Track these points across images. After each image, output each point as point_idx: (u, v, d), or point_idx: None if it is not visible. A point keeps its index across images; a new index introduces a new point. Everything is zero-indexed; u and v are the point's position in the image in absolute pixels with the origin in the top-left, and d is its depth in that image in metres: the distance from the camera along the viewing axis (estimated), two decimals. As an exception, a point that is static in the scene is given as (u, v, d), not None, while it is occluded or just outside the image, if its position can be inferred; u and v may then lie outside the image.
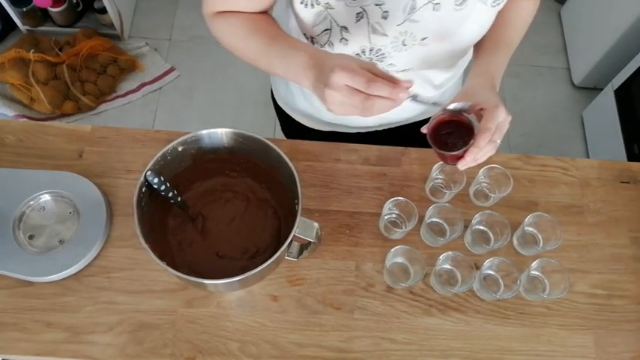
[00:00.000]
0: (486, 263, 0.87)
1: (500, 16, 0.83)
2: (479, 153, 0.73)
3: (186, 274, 0.69)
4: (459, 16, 0.78)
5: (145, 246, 0.69)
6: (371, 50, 0.81)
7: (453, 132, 0.76)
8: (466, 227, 0.92)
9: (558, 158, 1.02)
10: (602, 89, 2.09)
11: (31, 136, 0.97)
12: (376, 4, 0.74)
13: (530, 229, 0.94)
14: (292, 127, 1.15)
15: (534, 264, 0.88)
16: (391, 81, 0.65)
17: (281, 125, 1.25)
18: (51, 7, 2.08)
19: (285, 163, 0.76)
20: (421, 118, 1.07)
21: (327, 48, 0.84)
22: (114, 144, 0.98)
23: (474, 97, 0.76)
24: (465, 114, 0.74)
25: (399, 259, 0.90)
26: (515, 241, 0.94)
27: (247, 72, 2.26)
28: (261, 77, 2.25)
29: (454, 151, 0.75)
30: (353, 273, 0.90)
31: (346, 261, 0.90)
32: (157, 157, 0.76)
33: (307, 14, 0.78)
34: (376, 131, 1.10)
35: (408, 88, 0.65)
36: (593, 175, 1.02)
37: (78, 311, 0.84)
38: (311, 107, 1.04)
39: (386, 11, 0.75)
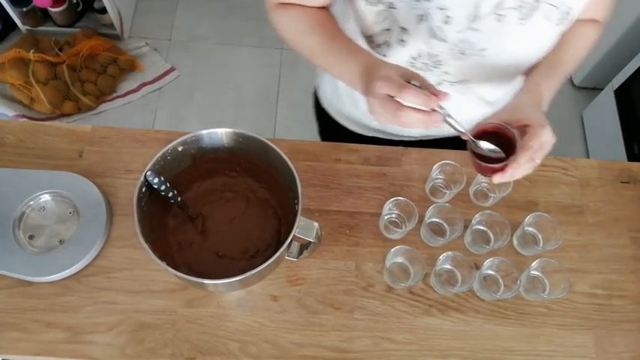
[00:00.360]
0: (486, 263, 0.87)
1: (561, 38, 0.82)
2: (517, 169, 0.71)
3: (186, 274, 0.69)
4: (521, 31, 0.77)
5: (145, 246, 0.69)
6: (428, 55, 0.80)
7: (494, 143, 0.73)
8: (466, 227, 0.92)
9: (558, 158, 1.02)
10: (602, 89, 2.09)
11: (31, 136, 0.97)
12: (439, 8, 0.74)
13: (530, 229, 0.94)
14: (333, 130, 1.14)
15: (534, 264, 0.88)
16: (430, 92, 0.65)
17: (319, 127, 1.24)
18: (51, 7, 2.08)
19: (285, 163, 0.76)
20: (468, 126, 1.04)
21: (383, 48, 0.83)
22: (114, 144, 0.98)
23: (521, 113, 0.73)
24: (510, 128, 0.72)
25: (399, 259, 0.90)
26: (515, 241, 0.94)
27: (247, 72, 2.26)
28: (261, 77, 2.26)
29: (492, 162, 0.72)
30: (353, 273, 0.90)
31: (346, 261, 0.90)
32: (157, 157, 0.76)
33: (369, 12, 0.78)
34: (420, 141, 1.09)
35: (442, 100, 0.65)
36: (593, 175, 1.02)
37: (78, 311, 0.84)
38: (358, 111, 1.03)
39: (448, 16, 0.74)
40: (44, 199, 0.90)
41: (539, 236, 0.94)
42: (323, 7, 0.82)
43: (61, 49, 2.12)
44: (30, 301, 0.84)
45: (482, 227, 0.94)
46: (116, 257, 0.88)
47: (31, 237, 0.88)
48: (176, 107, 2.17)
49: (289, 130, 2.15)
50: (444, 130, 1.03)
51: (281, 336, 0.84)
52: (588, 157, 2.14)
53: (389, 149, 1.00)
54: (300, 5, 0.81)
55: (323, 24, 0.80)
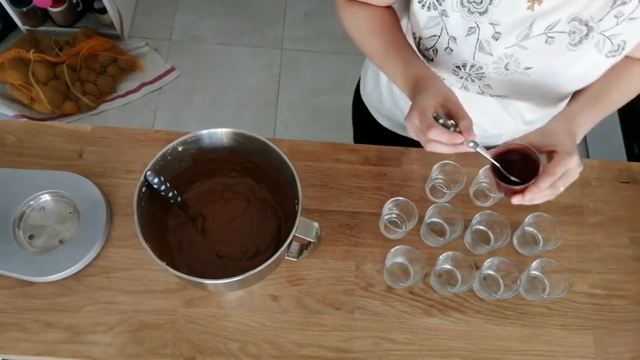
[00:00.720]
0: (486, 263, 0.87)
1: (611, 73, 0.80)
2: (537, 194, 0.70)
3: (186, 274, 0.69)
4: (569, 57, 0.76)
5: (145, 246, 0.69)
6: (472, 67, 0.81)
7: (517, 163, 0.72)
8: (466, 227, 0.92)
9: (558, 158, 1.02)
10: None
11: (31, 136, 0.97)
12: (491, 23, 0.74)
13: (530, 229, 0.94)
14: (367, 126, 1.15)
15: (534, 264, 0.88)
16: (460, 120, 0.70)
17: (354, 123, 1.26)
18: (51, 7, 2.08)
19: (285, 163, 0.76)
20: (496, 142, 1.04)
21: (431, 52, 0.85)
22: (114, 144, 0.98)
23: (551, 139, 0.73)
24: (535, 152, 0.71)
25: (399, 259, 0.90)
26: (515, 241, 0.94)
27: (247, 72, 2.26)
28: (261, 77, 2.26)
29: (512, 183, 0.72)
30: (353, 273, 0.90)
31: (346, 261, 0.90)
32: (157, 157, 0.76)
33: (422, 15, 0.79)
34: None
35: (466, 140, 0.70)
36: (593, 175, 1.02)
37: (78, 311, 0.84)
38: (396, 109, 1.04)
39: (499, 32, 0.75)
40: (44, 199, 0.90)
41: (539, 236, 0.94)
42: (388, 6, 0.85)
43: (61, 49, 2.12)
44: (30, 301, 0.84)
45: (482, 227, 0.94)
46: (116, 257, 0.88)
47: (31, 237, 0.88)
48: (176, 107, 2.17)
49: (289, 130, 2.15)
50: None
51: (281, 336, 0.84)
52: (588, 157, 2.14)
53: (389, 149, 1.01)
54: (367, 4, 0.83)
55: (385, 27, 0.83)
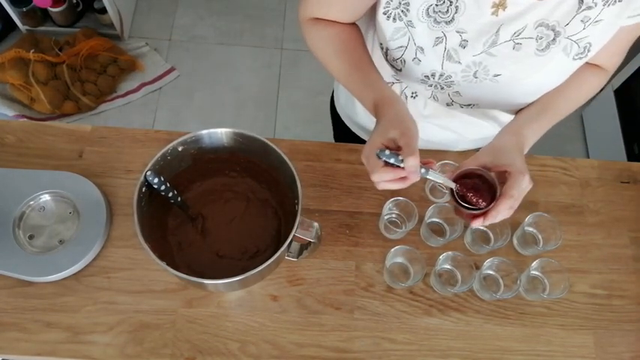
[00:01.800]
0: (486, 263, 0.87)
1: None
2: (496, 217, 0.72)
3: (186, 274, 0.69)
4: (537, 62, 0.76)
5: (145, 246, 0.69)
6: (440, 75, 0.81)
7: (473, 185, 0.74)
8: (466, 227, 0.92)
9: (558, 158, 1.02)
10: (602, 89, 2.09)
11: (31, 136, 0.97)
12: (457, 31, 0.74)
13: (530, 229, 0.94)
14: (346, 136, 1.15)
15: (534, 264, 0.88)
16: (407, 160, 0.68)
17: (334, 131, 1.26)
18: (51, 7, 2.08)
19: (285, 163, 0.76)
20: (479, 146, 1.05)
21: (398, 63, 0.85)
22: (114, 144, 0.98)
23: (502, 157, 0.74)
24: (489, 175, 0.73)
25: (399, 259, 0.90)
26: (515, 241, 0.94)
27: (247, 72, 2.26)
28: (261, 78, 2.26)
29: (471, 205, 0.73)
30: (353, 273, 0.90)
31: (346, 261, 0.90)
32: (157, 157, 0.76)
33: (388, 27, 0.79)
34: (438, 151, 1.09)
35: (412, 180, 0.69)
36: (593, 175, 1.02)
37: (78, 311, 0.84)
38: (368, 119, 1.04)
39: (466, 40, 0.75)
40: (44, 199, 0.90)
41: (539, 236, 0.94)
42: (352, 23, 0.84)
43: (60, 49, 2.12)
44: (30, 301, 0.84)
45: (482, 227, 0.94)
46: (116, 257, 0.88)
47: (31, 237, 0.88)
48: (176, 107, 2.17)
49: (289, 130, 2.15)
50: (457, 147, 1.03)
51: (281, 336, 0.84)
52: (588, 157, 2.14)
53: (389, 149, 1.00)
54: (330, 22, 0.82)
55: (349, 48, 0.82)
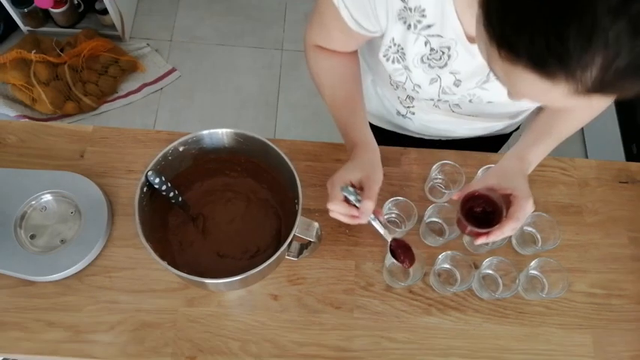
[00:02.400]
0: (485, 262, 0.87)
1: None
2: (500, 236, 0.77)
3: (187, 273, 0.69)
4: None
5: (146, 245, 0.69)
6: (439, 100, 0.86)
7: (481, 205, 0.80)
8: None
9: (557, 158, 1.02)
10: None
11: (32, 136, 0.98)
12: (451, 72, 0.78)
13: (529, 228, 0.94)
14: None
15: (533, 263, 0.88)
16: (364, 201, 0.76)
17: None
18: (52, 7, 2.09)
19: (285, 163, 0.77)
20: (480, 134, 1.07)
21: (407, 100, 0.93)
22: (115, 144, 0.98)
23: (507, 180, 0.79)
24: (497, 198, 0.79)
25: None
26: (514, 241, 0.94)
27: (248, 73, 2.27)
28: (262, 78, 2.26)
29: (476, 224, 0.79)
30: (353, 272, 0.90)
31: (346, 260, 0.91)
32: (158, 157, 0.76)
33: (388, 66, 0.83)
34: (440, 140, 1.12)
35: (362, 220, 0.77)
36: (591, 175, 1.02)
37: (79, 310, 0.84)
38: (383, 108, 1.07)
39: (459, 80, 0.79)
40: (46, 199, 0.90)
41: (538, 236, 0.94)
42: (353, 52, 0.88)
43: (62, 50, 2.12)
44: (31, 300, 0.84)
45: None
46: (117, 257, 0.88)
47: (32, 237, 0.88)
48: (177, 108, 2.17)
49: (289, 130, 2.15)
50: (458, 133, 1.05)
51: (281, 335, 0.85)
52: (587, 157, 2.14)
53: (388, 149, 1.01)
54: (332, 51, 0.86)
55: (345, 83, 0.87)
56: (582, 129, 2.21)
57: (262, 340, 0.84)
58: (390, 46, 0.78)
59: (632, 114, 1.88)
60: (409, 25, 0.72)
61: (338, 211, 0.77)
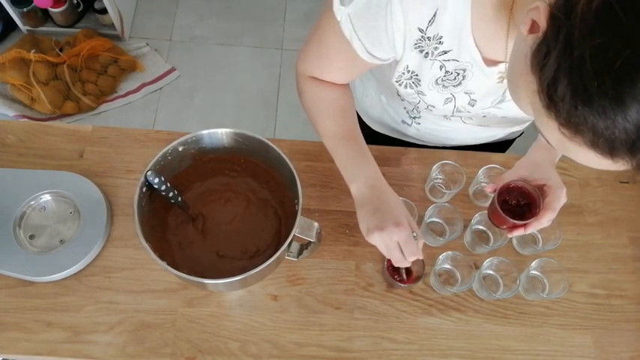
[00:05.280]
0: (486, 263, 0.87)
1: None
2: (537, 227, 0.78)
3: (187, 273, 0.69)
4: None
5: (146, 246, 0.69)
6: (452, 116, 0.86)
7: (515, 197, 0.81)
8: (466, 227, 0.92)
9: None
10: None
11: (31, 136, 0.97)
12: (466, 92, 0.77)
13: (530, 228, 0.94)
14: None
15: (534, 264, 0.88)
16: (418, 239, 0.75)
17: None
18: (51, 7, 2.08)
19: (285, 163, 0.77)
20: (485, 141, 1.07)
21: (414, 111, 0.92)
22: (114, 144, 0.98)
23: (539, 171, 0.80)
24: (534, 190, 0.79)
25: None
26: (514, 241, 0.94)
27: (247, 72, 2.27)
28: (262, 78, 2.26)
29: (513, 216, 0.79)
30: (353, 273, 0.90)
31: (346, 261, 0.91)
32: (157, 157, 0.76)
33: (400, 90, 0.82)
34: (444, 147, 1.11)
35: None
36: (592, 175, 1.02)
37: (78, 311, 0.84)
38: (387, 116, 1.05)
39: (474, 99, 0.78)
40: (45, 199, 0.90)
41: (539, 236, 0.94)
42: (346, 84, 0.87)
43: (61, 50, 2.12)
44: (31, 300, 0.84)
45: (481, 227, 0.94)
46: (117, 257, 0.88)
47: (31, 237, 0.88)
48: (176, 107, 2.17)
49: (289, 130, 2.15)
50: (464, 140, 1.04)
51: (281, 335, 0.85)
52: (588, 157, 2.13)
53: (388, 149, 1.01)
54: (326, 82, 0.84)
55: (346, 115, 0.84)
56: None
57: (262, 341, 0.84)
58: (404, 73, 0.76)
59: (632, 114, 1.88)
60: (426, 54, 0.71)
61: (412, 254, 0.74)
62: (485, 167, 0.94)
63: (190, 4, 2.41)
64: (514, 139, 1.13)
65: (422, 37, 0.68)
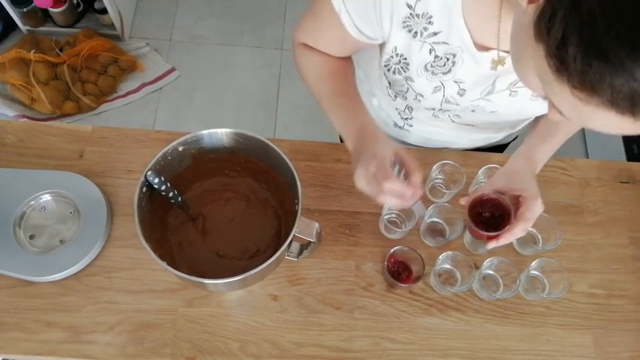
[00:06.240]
0: (486, 263, 0.87)
1: None
2: (510, 238, 0.76)
3: (187, 273, 0.69)
4: (532, 104, 0.79)
5: (146, 246, 0.69)
6: (440, 110, 0.85)
7: (489, 209, 0.80)
8: (465, 227, 0.92)
9: (557, 158, 1.02)
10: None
11: (31, 136, 0.97)
12: (455, 81, 0.76)
13: (530, 228, 0.94)
14: None
15: (534, 264, 0.88)
16: (411, 173, 0.71)
17: None
18: (51, 7, 2.08)
19: (285, 163, 0.77)
20: (480, 145, 1.06)
21: (400, 99, 0.89)
22: (114, 144, 0.98)
23: (516, 181, 0.78)
24: (506, 199, 0.78)
25: (400, 259, 0.90)
26: (514, 241, 0.94)
27: (247, 72, 2.27)
28: (261, 78, 2.26)
29: (485, 228, 0.79)
30: (353, 273, 0.90)
31: (346, 261, 0.91)
32: (157, 157, 0.76)
33: (389, 75, 0.82)
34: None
35: (416, 196, 0.71)
36: (592, 175, 1.02)
37: (78, 311, 0.84)
38: (379, 120, 1.05)
39: (463, 89, 0.78)
40: (45, 199, 0.90)
41: (539, 236, 0.94)
42: (346, 57, 0.86)
43: (61, 50, 2.12)
44: (30, 300, 0.84)
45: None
46: (117, 257, 0.88)
47: (31, 237, 0.88)
48: (176, 107, 2.17)
49: (289, 130, 2.15)
50: (459, 145, 1.04)
51: (281, 335, 0.85)
52: (588, 157, 2.14)
53: (389, 149, 1.01)
54: (321, 52, 0.84)
55: (338, 75, 0.84)
56: (583, 128, 2.21)
57: (262, 341, 0.84)
58: (392, 57, 0.76)
59: (632, 114, 1.88)
60: (415, 33, 0.70)
61: (396, 189, 0.69)
62: (485, 167, 0.94)
63: (190, 4, 2.41)
64: (508, 144, 1.13)
65: (410, 14, 0.67)
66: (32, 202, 0.89)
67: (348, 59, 0.87)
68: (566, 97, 0.47)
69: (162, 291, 0.86)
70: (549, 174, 1.01)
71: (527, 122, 1.00)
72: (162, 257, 0.70)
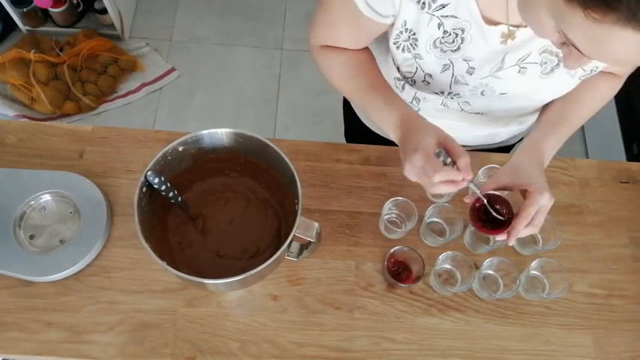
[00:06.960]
0: (486, 263, 0.87)
1: (574, 93, 0.83)
2: (518, 234, 0.74)
3: (187, 273, 0.69)
4: (542, 83, 0.79)
5: (146, 246, 0.69)
6: (449, 93, 0.84)
7: (495, 206, 0.77)
8: (465, 227, 0.92)
9: (557, 158, 1.02)
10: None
11: (31, 136, 0.97)
12: (464, 59, 0.76)
13: (530, 229, 0.94)
14: (358, 132, 1.16)
15: (534, 264, 0.88)
16: (458, 158, 0.71)
17: (345, 128, 1.27)
18: (51, 7, 2.08)
19: (285, 163, 0.76)
20: (484, 142, 1.06)
21: (410, 81, 0.88)
22: (114, 144, 0.98)
23: (521, 176, 0.76)
24: (506, 199, 0.76)
25: (399, 259, 0.90)
26: (514, 241, 0.94)
27: (247, 72, 2.27)
28: (261, 78, 2.26)
29: (492, 226, 0.76)
30: (353, 273, 0.90)
31: (346, 261, 0.91)
32: (157, 157, 0.76)
33: (397, 55, 0.81)
34: None
35: (468, 179, 0.71)
36: (592, 175, 1.02)
37: (78, 311, 0.84)
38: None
39: (472, 67, 0.77)
40: (45, 199, 0.90)
41: (539, 236, 0.94)
42: (364, 48, 0.85)
43: (61, 50, 2.12)
44: (31, 300, 0.84)
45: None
46: (117, 257, 0.88)
47: (31, 237, 0.88)
48: (176, 107, 2.17)
49: (289, 130, 2.15)
50: (474, 142, 1.04)
51: (281, 335, 0.85)
52: (587, 157, 2.14)
53: (389, 149, 1.01)
54: (342, 48, 0.83)
55: (363, 70, 0.83)
56: (583, 129, 2.21)
57: (262, 341, 0.84)
58: (402, 32, 0.76)
59: (632, 114, 1.88)
60: (423, 4, 0.70)
61: (447, 178, 0.69)
62: (485, 167, 0.94)
63: (190, 4, 2.41)
64: (513, 145, 1.13)
65: None
66: (32, 202, 0.89)
67: (368, 51, 0.86)
68: (580, 23, 0.46)
69: (162, 291, 0.86)
70: (549, 174, 1.01)
71: (532, 120, 1.00)
72: (162, 257, 0.70)
